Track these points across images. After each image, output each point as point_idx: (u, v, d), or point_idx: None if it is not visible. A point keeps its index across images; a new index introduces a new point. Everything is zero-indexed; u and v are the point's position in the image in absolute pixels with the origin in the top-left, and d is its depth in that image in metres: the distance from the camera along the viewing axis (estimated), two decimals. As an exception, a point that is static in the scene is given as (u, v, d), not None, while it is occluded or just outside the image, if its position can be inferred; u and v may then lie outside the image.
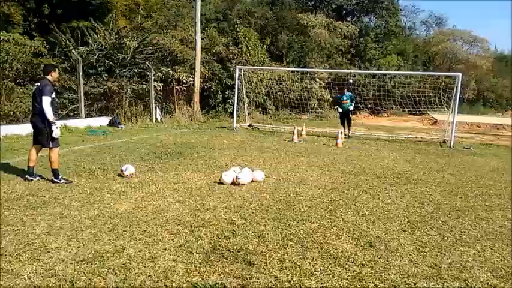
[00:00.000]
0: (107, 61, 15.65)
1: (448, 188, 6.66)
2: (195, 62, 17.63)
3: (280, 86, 20.66)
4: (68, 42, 15.65)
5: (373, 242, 4.10)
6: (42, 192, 5.38)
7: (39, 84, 5.91)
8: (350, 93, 13.65)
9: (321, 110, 22.94)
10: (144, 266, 3.38)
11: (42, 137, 5.93)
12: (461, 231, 4.55)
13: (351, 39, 27.30)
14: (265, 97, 20.56)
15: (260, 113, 20.29)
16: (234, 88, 15.52)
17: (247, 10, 24.22)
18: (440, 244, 4.14)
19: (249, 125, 15.90)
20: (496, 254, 3.96)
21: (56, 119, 5.95)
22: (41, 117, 5.80)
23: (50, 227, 4.16)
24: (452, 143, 12.37)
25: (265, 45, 21.93)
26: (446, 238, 4.32)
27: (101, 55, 15.59)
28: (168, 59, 18.47)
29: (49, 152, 5.99)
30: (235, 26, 20.82)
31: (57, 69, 6.53)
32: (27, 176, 6.02)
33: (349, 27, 26.79)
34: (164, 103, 17.64)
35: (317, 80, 22.96)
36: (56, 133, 5.85)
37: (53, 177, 5.97)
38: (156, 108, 16.23)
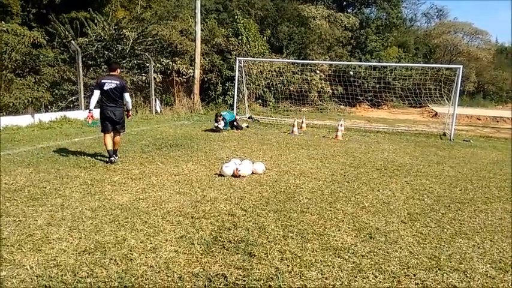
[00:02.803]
0: (106, 52, 15.58)
1: (447, 181, 6.68)
2: (194, 53, 17.54)
3: (281, 78, 20.59)
4: (67, 33, 15.55)
5: (373, 233, 4.12)
6: (43, 184, 5.39)
7: (118, 82, 6.67)
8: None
9: (321, 103, 22.89)
10: (146, 257, 3.40)
11: (121, 124, 6.89)
12: (461, 223, 4.57)
13: (352, 31, 27.17)
14: (265, 89, 20.48)
15: (260, 105, 20.25)
16: (234, 80, 15.47)
17: (248, 1, 24.04)
18: (439, 236, 4.16)
19: (249, 117, 15.88)
20: (495, 245, 3.98)
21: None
22: (122, 108, 6.82)
23: (51, 218, 4.17)
24: (452, 135, 12.38)
25: (265, 37, 21.79)
26: (445, 230, 4.34)
27: (100, 46, 15.50)
28: (168, 51, 18.39)
29: (118, 136, 6.92)
30: (236, 17, 20.67)
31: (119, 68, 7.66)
32: (111, 159, 6.75)
33: (350, 18, 26.68)
34: (164, 95, 17.58)
35: (317, 72, 22.88)
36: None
37: (113, 156, 6.82)
38: (155, 100, 16.20)
